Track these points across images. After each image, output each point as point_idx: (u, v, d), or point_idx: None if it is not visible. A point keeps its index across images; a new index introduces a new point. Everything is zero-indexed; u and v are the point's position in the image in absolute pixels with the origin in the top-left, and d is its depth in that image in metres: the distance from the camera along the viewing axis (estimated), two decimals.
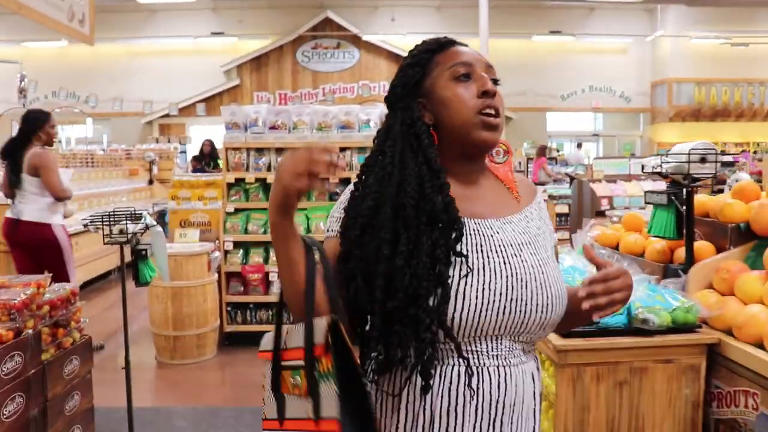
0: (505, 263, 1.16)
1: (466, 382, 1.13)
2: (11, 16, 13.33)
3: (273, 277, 5.19)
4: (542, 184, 10.58)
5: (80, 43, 7.30)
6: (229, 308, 5.27)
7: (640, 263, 2.39)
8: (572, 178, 9.63)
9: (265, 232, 5.19)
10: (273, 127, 5.31)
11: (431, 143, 1.21)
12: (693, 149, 2.09)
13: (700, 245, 2.25)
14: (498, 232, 1.20)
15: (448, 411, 1.13)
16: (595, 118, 19.00)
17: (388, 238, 1.11)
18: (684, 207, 2.14)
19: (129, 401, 2.87)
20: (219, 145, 13.13)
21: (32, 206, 4.45)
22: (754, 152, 15.71)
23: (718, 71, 17.14)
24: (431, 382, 1.12)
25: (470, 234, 1.18)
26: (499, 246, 1.18)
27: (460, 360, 1.14)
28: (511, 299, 1.14)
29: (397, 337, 1.10)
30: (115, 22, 15.97)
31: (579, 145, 15.74)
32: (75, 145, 14.73)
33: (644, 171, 2.25)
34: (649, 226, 2.31)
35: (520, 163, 14.00)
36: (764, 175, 3.21)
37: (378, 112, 5.41)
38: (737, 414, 1.79)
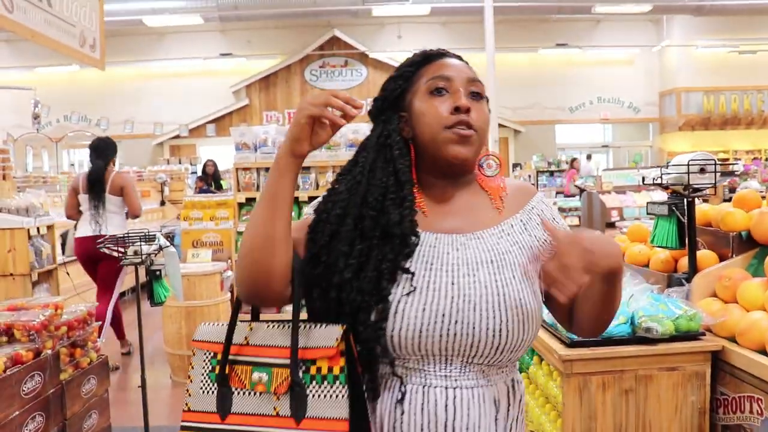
0: (453, 283, 1.11)
1: (398, 400, 1.11)
2: (23, 42, 13.59)
3: None
4: (573, 196, 10.62)
5: (91, 67, 7.46)
6: None
7: (645, 273, 2.42)
8: (582, 190, 9.66)
9: None
10: None
11: (402, 155, 1.19)
12: (692, 160, 2.13)
13: (703, 254, 2.29)
14: (458, 249, 1.16)
15: (394, 427, 1.11)
16: (605, 129, 19.02)
17: (345, 249, 1.11)
18: (685, 217, 2.18)
19: (146, 421, 2.92)
20: (228, 165, 13.32)
21: (114, 223, 5.10)
22: (766, 159, 15.66)
23: (727, 79, 17.15)
24: (379, 394, 1.11)
25: (425, 250, 1.15)
26: (453, 264, 1.13)
27: (400, 378, 1.11)
28: (456, 321, 1.09)
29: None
30: (125, 46, 16.21)
31: (589, 157, 15.74)
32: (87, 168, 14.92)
33: (644, 182, 2.29)
34: (652, 237, 2.34)
35: (529, 176, 14.04)
36: None
37: None
38: (743, 420, 1.82)
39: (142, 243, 2.63)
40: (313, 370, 1.06)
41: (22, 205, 5.66)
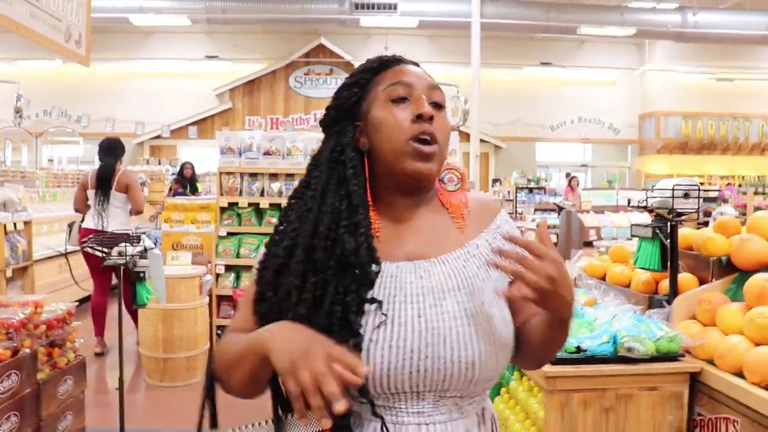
0: (419, 315, 1.03)
1: None
2: (5, 34, 13.38)
3: None
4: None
5: (74, 63, 7.40)
6: (219, 331, 5.29)
7: (626, 294, 2.46)
8: (561, 208, 9.75)
9: (256, 257, 5.24)
10: (267, 153, 5.41)
11: (356, 174, 1.09)
12: (677, 185, 2.18)
13: (684, 277, 2.34)
14: (421, 277, 1.07)
15: None
16: (584, 148, 19.26)
17: (297, 283, 1.02)
18: (668, 240, 2.23)
19: (122, 424, 2.89)
20: (208, 167, 13.23)
21: (117, 219, 5.42)
22: (739, 185, 15.97)
23: (705, 105, 17.52)
24: None
25: (386, 281, 1.06)
26: (417, 295, 1.05)
27: (377, 417, 1.02)
28: (426, 357, 1.01)
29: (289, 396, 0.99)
30: (109, 43, 16.08)
31: (568, 175, 15.92)
32: (66, 165, 14.72)
33: (630, 205, 2.34)
34: (635, 258, 2.39)
35: (509, 192, 14.14)
36: (748, 208, 3.31)
37: None
38: None
39: (127, 244, 2.61)
40: None
41: None
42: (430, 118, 1.08)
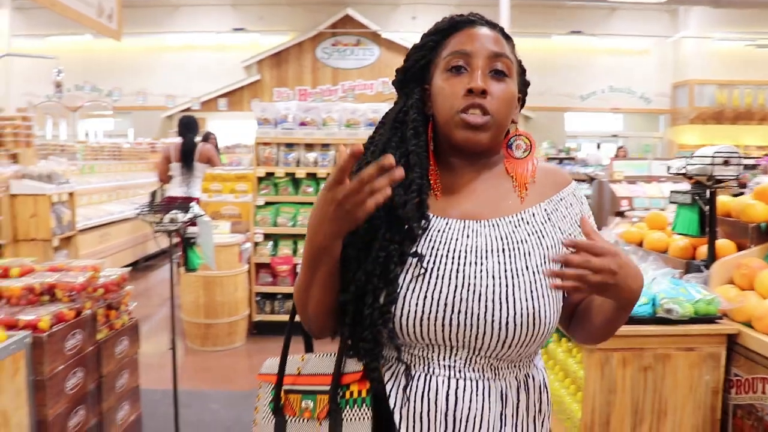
0: (458, 271, 1.06)
1: (402, 386, 1.08)
2: (37, 10, 13.60)
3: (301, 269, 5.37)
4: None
5: (105, 38, 7.54)
6: (258, 298, 5.44)
7: (663, 259, 2.52)
8: (592, 179, 9.71)
9: (293, 225, 5.35)
10: (303, 124, 5.48)
11: (417, 134, 1.13)
12: (717, 152, 2.21)
13: (722, 243, 2.38)
14: (468, 236, 1.09)
15: (400, 410, 1.08)
16: (615, 118, 19.00)
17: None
18: (707, 207, 2.27)
19: (175, 382, 3.04)
20: (237, 139, 13.31)
21: (197, 186, 6.24)
22: None
23: (742, 73, 17.07)
24: (381, 378, 1.08)
25: (433, 235, 1.10)
26: (460, 251, 1.08)
27: (401, 361, 1.08)
28: (459, 311, 1.04)
29: (347, 331, 1.08)
30: (138, 17, 16.18)
31: (598, 146, 15.76)
32: (102, 138, 14.99)
33: (669, 172, 2.38)
34: (673, 224, 2.44)
35: (537, 161, 14.08)
36: None
37: None
38: (755, 399, 1.92)
39: (178, 212, 2.73)
40: (347, 395, 1.08)
41: (44, 172, 5.78)
42: (483, 92, 1.08)
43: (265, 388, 1.19)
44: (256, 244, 5.40)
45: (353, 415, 1.06)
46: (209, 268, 3.95)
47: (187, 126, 6.53)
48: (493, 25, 1.16)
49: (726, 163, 2.22)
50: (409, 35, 16.11)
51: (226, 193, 5.71)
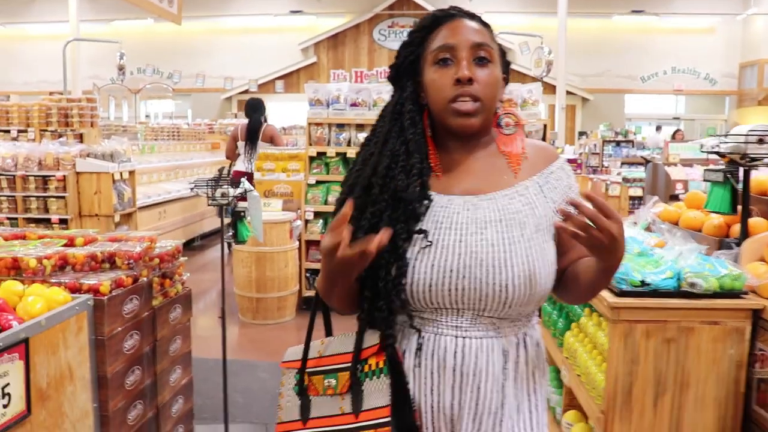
0: (461, 241, 1.19)
1: (416, 348, 1.21)
2: None
3: None
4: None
5: (165, 22, 7.88)
6: (308, 274, 5.63)
7: (697, 237, 2.54)
8: (647, 161, 9.52)
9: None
10: (354, 104, 5.60)
11: (414, 124, 1.25)
12: (751, 130, 2.22)
13: (756, 221, 2.39)
14: (469, 210, 1.22)
15: (414, 370, 1.22)
16: (677, 100, 18.47)
17: (355, 214, 1.16)
18: (740, 184, 2.29)
19: (224, 348, 3.22)
20: (293, 120, 13.50)
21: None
22: None
23: None
24: (396, 342, 1.21)
25: (437, 211, 1.22)
26: (462, 224, 1.21)
27: (414, 327, 1.22)
28: (464, 276, 1.17)
29: (365, 303, 1.21)
30: (198, 1, 16.56)
31: (658, 128, 15.35)
32: (162, 119, 15.48)
33: (702, 150, 2.40)
34: (706, 202, 2.46)
35: (595, 145, 13.86)
36: None
37: None
38: None
39: (229, 186, 2.89)
40: (366, 368, 1.20)
41: (107, 151, 6.08)
42: (469, 80, 1.20)
43: (288, 374, 1.31)
44: (307, 221, 5.57)
45: (373, 386, 1.19)
46: (258, 240, 4.12)
47: (254, 107, 7.16)
48: (472, 16, 1.28)
49: (761, 141, 2.23)
50: None
51: (278, 171, 5.89)
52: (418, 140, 1.25)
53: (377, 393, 1.18)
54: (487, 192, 1.25)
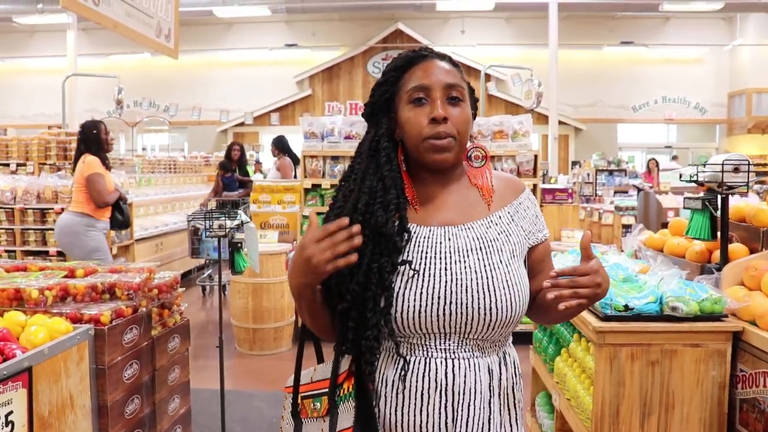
0: (446, 269, 1.26)
1: (401, 374, 1.26)
2: (101, 31, 14.29)
3: None
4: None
5: (161, 55, 8.02)
6: None
7: (681, 264, 2.62)
8: (639, 190, 9.66)
9: None
10: (348, 137, 5.72)
11: (389, 161, 1.30)
12: (726, 160, 2.32)
13: (735, 247, 2.48)
14: (450, 239, 1.30)
15: (396, 396, 1.27)
16: (668, 129, 18.69)
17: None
18: (718, 212, 2.37)
19: (221, 376, 3.27)
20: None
21: None
22: None
23: None
24: (375, 369, 1.27)
25: (420, 241, 1.29)
26: (445, 253, 1.28)
27: (399, 354, 1.27)
28: (451, 302, 1.23)
29: (350, 332, 1.24)
30: (194, 35, 16.78)
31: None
32: (158, 152, 15.60)
33: (681, 179, 2.49)
34: (687, 229, 2.54)
35: (588, 174, 14.01)
36: None
37: None
38: (758, 393, 2.01)
39: (226, 218, 2.97)
40: (341, 392, 1.28)
41: None
42: (444, 119, 1.27)
43: (289, 399, 1.41)
44: None
45: (344, 408, 1.26)
46: (255, 271, 4.18)
47: (277, 145, 8.14)
48: (443, 56, 1.36)
49: (736, 170, 2.32)
50: (459, 49, 16.27)
51: (274, 203, 5.98)
52: (393, 176, 1.30)
53: (347, 415, 1.25)
54: (463, 222, 1.33)
